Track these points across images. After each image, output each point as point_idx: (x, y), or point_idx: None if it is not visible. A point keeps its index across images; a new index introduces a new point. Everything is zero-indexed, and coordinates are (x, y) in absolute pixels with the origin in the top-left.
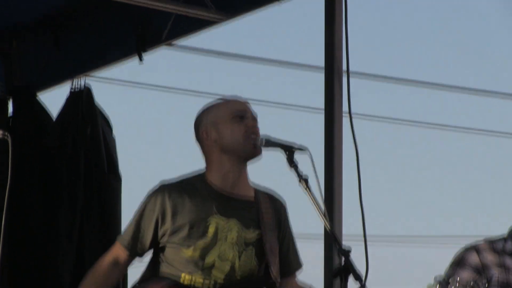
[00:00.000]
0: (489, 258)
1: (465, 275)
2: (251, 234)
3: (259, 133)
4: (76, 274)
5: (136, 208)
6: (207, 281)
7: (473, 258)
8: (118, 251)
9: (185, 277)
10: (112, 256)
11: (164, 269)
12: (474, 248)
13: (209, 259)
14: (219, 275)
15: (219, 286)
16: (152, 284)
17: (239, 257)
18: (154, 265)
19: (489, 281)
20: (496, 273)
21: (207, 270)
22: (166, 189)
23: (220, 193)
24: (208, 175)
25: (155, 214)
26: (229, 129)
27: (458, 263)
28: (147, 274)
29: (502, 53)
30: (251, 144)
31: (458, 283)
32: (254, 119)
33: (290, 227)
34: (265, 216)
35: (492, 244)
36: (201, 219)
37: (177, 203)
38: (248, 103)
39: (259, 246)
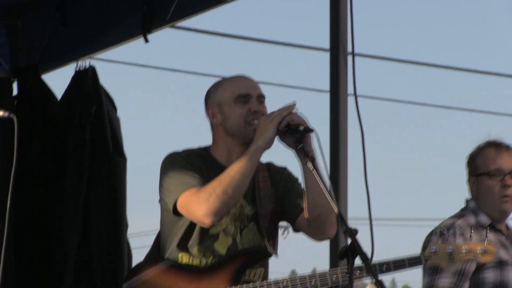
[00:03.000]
0: (475, 237)
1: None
2: (252, 210)
3: (264, 114)
4: (82, 249)
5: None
6: (204, 260)
7: (459, 240)
8: (195, 190)
9: (182, 257)
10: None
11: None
12: (457, 228)
13: (213, 230)
14: (221, 249)
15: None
16: (150, 266)
17: (241, 232)
18: (157, 244)
19: (485, 263)
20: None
21: (210, 242)
22: (177, 157)
23: (225, 168)
24: (213, 151)
25: None
26: (231, 112)
27: None
28: (151, 254)
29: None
30: (252, 129)
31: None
32: (260, 99)
33: (296, 180)
34: (261, 185)
35: (466, 220)
36: None
37: None
38: (255, 82)
39: (259, 220)
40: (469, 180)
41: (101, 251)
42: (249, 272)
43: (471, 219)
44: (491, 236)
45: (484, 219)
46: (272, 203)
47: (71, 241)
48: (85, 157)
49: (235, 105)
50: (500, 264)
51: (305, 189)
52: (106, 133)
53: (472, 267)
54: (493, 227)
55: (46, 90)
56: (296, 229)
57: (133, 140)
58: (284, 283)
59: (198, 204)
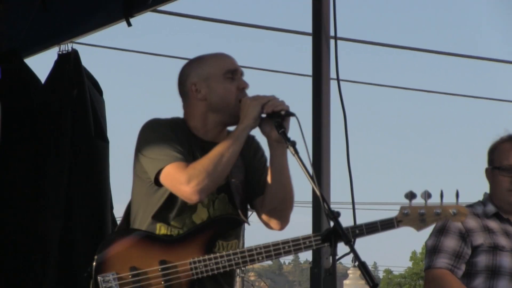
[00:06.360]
0: (472, 223)
1: (451, 242)
2: (223, 180)
3: (246, 92)
4: (64, 235)
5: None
6: (182, 232)
7: (456, 224)
8: (182, 165)
9: (161, 228)
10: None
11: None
12: None
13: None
14: (198, 221)
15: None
16: (122, 238)
17: (213, 204)
18: (128, 215)
19: (478, 247)
20: (482, 238)
21: (188, 214)
22: (161, 124)
23: (202, 140)
24: (190, 124)
25: None
26: (221, 87)
27: (442, 230)
28: (122, 226)
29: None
30: (239, 111)
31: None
32: (243, 76)
33: (262, 154)
34: None
35: (472, 209)
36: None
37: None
38: (235, 60)
39: (230, 192)
40: (486, 170)
41: (85, 235)
42: (225, 244)
43: (478, 209)
44: (493, 224)
45: (490, 208)
46: (242, 173)
47: (54, 225)
48: (66, 142)
49: (225, 80)
50: (494, 248)
51: (269, 180)
52: (88, 117)
53: (469, 250)
54: (498, 215)
55: (29, 75)
56: (251, 207)
57: (117, 123)
58: (257, 250)
59: (188, 180)
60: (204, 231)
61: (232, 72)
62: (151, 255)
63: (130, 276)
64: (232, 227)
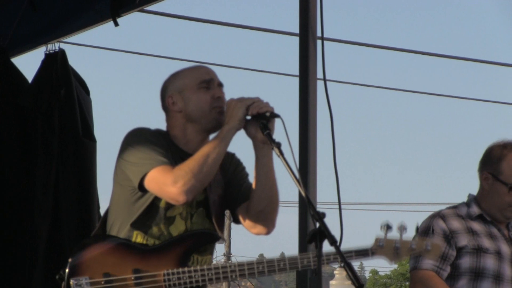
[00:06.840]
0: (456, 224)
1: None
2: (201, 196)
3: (225, 101)
4: (52, 233)
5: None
6: (158, 242)
7: (441, 225)
8: (168, 168)
9: (137, 236)
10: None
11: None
12: (439, 216)
13: (170, 213)
14: (175, 233)
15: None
16: (97, 243)
17: (191, 218)
18: (105, 221)
19: (462, 248)
20: (466, 239)
21: (166, 225)
22: (146, 132)
23: (183, 151)
24: (171, 134)
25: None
26: (195, 97)
27: (427, 232)
28: (98, 231)
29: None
30: (216, 114)
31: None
32: (220, 86)
33: (243, 168)
34: None
35: (456, 210)
36: None
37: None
38: (213, 71)
39: (208, 206)
40: (483, 173)
41: (72, 234)
42: (200, 259)
43: (462, 210)
44: (477, 225)
45: (474, 210)
46: (221, 188)
47: (42, 225)
48: (54, 141)
49: (198, 90)
50: (478, 250)
51: (254, 182)
52: (76, 116)
53: (454, 251)
54: (482, 217)
55: (16, 74)
56: (235, 219)
57: (104, 123)
58: (231, 268)
59: (174, 181)
60: (180, 244)
61: (207, 82)
62: (125, 263)
63: (103, 282)
64: (208, 241)
